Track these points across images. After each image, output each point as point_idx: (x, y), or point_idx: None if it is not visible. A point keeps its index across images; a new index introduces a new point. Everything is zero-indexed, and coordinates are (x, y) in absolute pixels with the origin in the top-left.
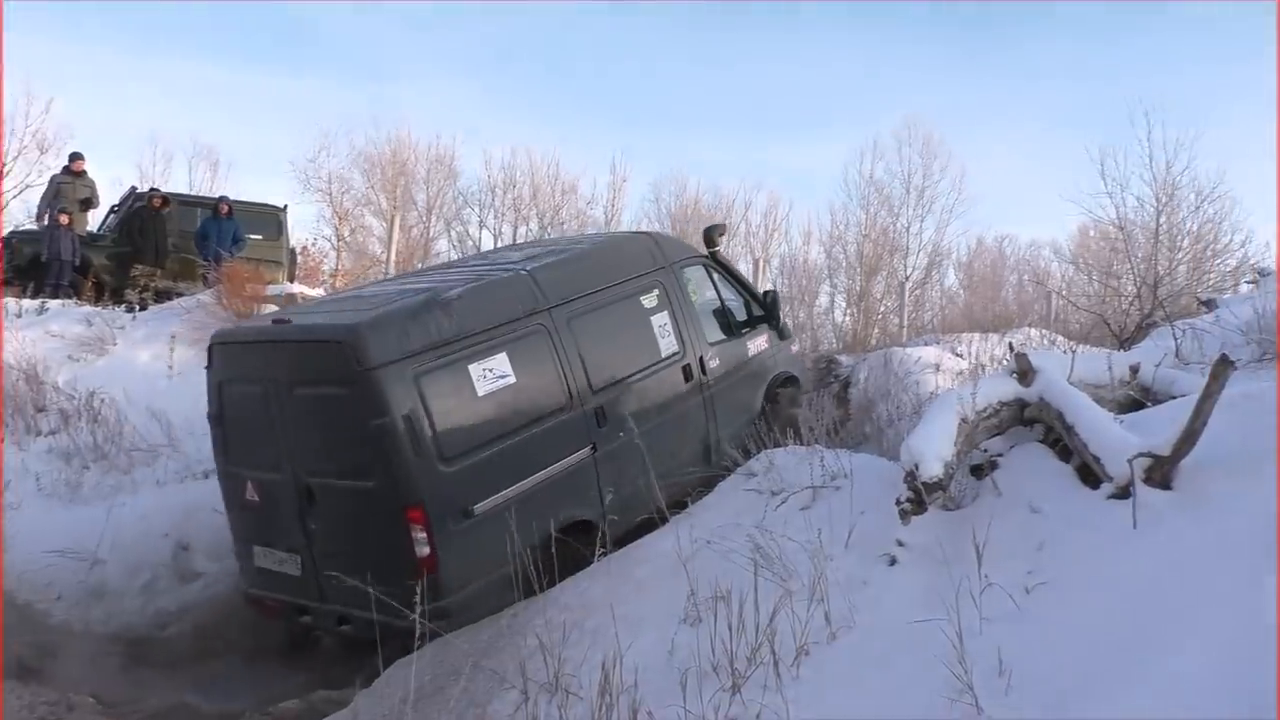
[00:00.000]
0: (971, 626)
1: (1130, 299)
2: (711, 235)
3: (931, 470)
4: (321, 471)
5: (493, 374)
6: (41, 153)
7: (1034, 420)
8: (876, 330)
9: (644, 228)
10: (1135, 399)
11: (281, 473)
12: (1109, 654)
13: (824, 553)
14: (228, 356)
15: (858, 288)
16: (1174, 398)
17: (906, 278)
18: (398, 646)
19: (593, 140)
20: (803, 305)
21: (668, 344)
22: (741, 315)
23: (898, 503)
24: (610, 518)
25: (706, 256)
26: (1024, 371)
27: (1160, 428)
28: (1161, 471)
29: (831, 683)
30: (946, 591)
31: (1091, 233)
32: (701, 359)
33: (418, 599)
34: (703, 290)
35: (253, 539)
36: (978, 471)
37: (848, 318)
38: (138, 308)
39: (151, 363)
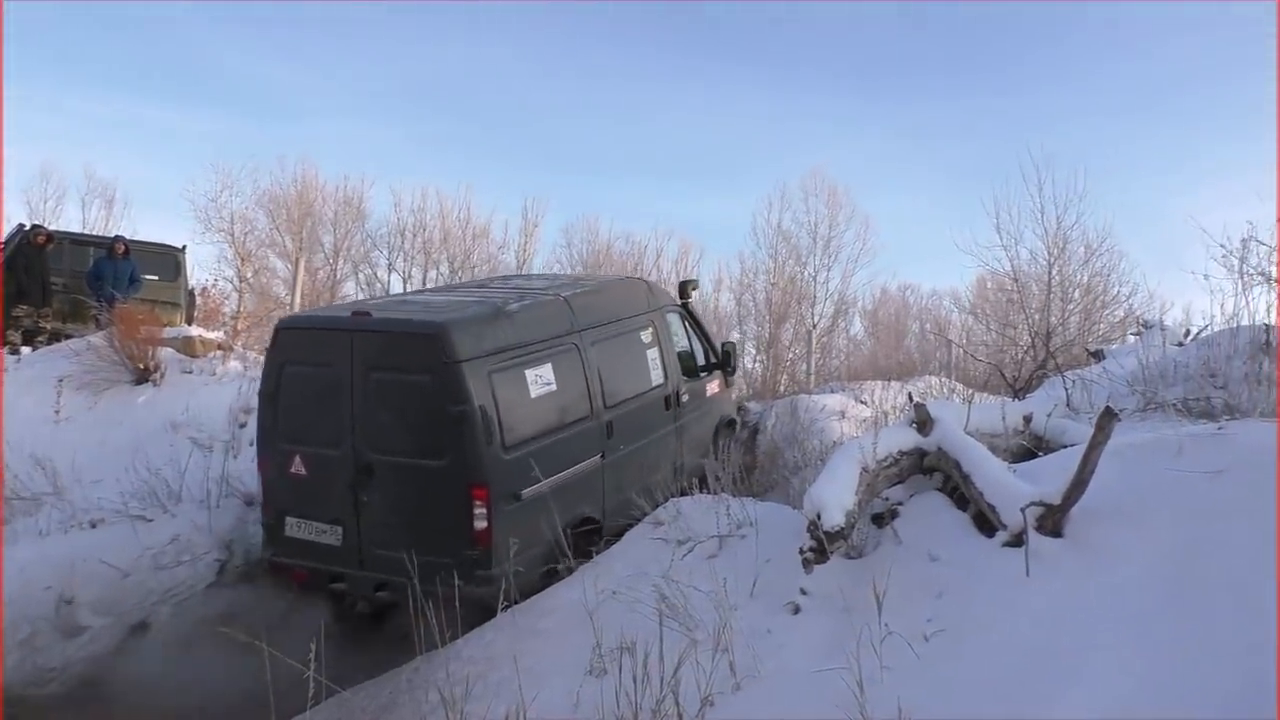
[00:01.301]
0: (872, 675)
1: (1025, 349)
2: (685, 289)
3: (833, 519)
4: (389, 449)
5: (541, 380)
6: None
7: (933, 469)
8: (785, 376)
9: (555, 270)
10: (1028, 448)
11: (340, 449)
12: (1002, 702)
13: (729, 602)
14: (295, 340)
15: (766, 334)
16: (1065, 446)
17: (814, 325)
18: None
19: (503, 184)
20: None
21: (656, 375)
22: (703, 360)
23: (801, 551)
24: (609, 519)
25: (682, 306)
26: (923, 421)
27: (1051, 476)
28: (1053, 519)
29: None
30: (848, 640)
31: (989, 284)
32: (677, 391)
33: (473, 566)
34: (677, 334)
35: (289, 510)
36: (879, 520)
37: (757, 364)
38: (22, 349)
39: (35, 408)
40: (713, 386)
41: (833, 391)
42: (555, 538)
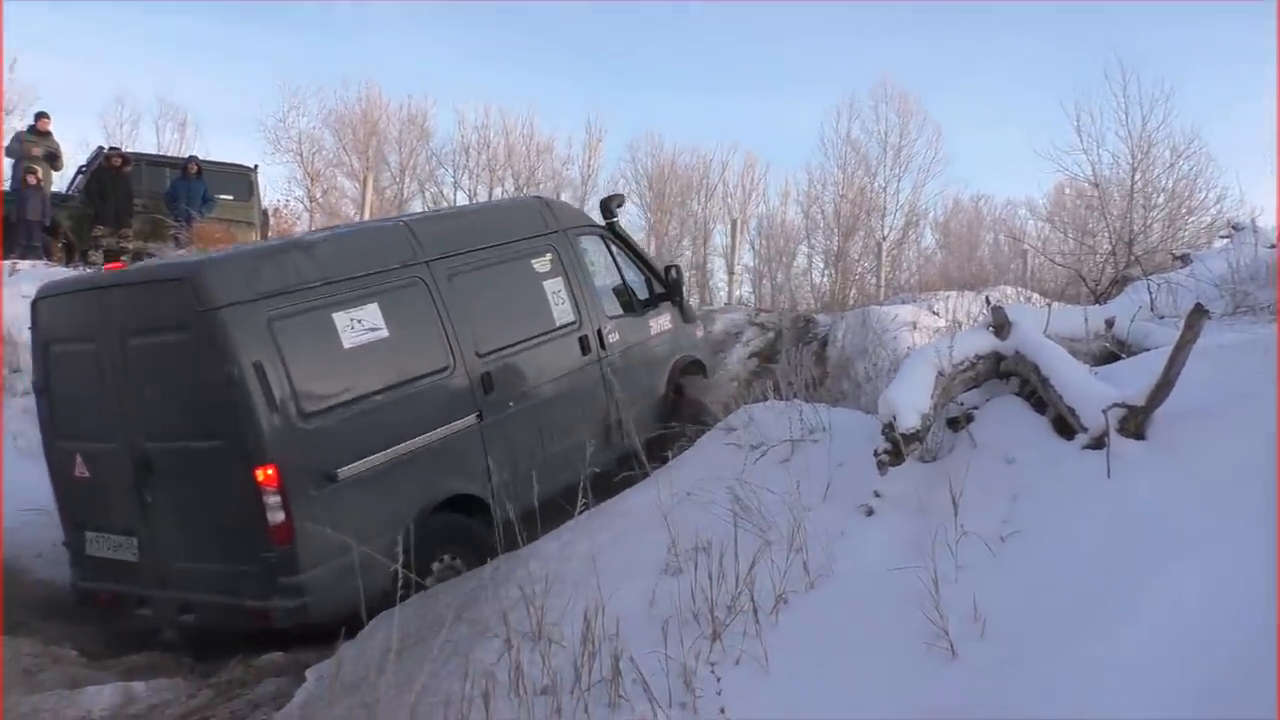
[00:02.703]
0: (947, 574)
1: (1105, 256)
2: (610, 205)
3: (908, 422)
4: (161, 435)
5: (362, 325)
6: (8, 114)
7: (1010, 373)
8: (854, 290)
9: (619, 188)
10: (1111, 351)
11: (114, 441)
12: (1081, 600)
13: (802, 504)
14: (55, 313)
15: (835, 248)
16: (1149, 350)
17: (884, 237)
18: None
19: (568, 99)
20: (780, 266)
21: (562, 312)
22: (643, 292)
23: (875, 454)
24: (499, 497)
25: (603, 227)
26: (1000, 325)
27: (1135, 378)
28: (1136, 422)
29: (809, 629)
30: (923, 541)
31: (1067, 191)
32: (600, 332)
33: (274, 572)
34: (601, 264)
35: (84, 523)
36: (954, 424)
37: (825, 278)
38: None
39: None
40: (660, 323)
41: (904, 302)
42: (405, 529)
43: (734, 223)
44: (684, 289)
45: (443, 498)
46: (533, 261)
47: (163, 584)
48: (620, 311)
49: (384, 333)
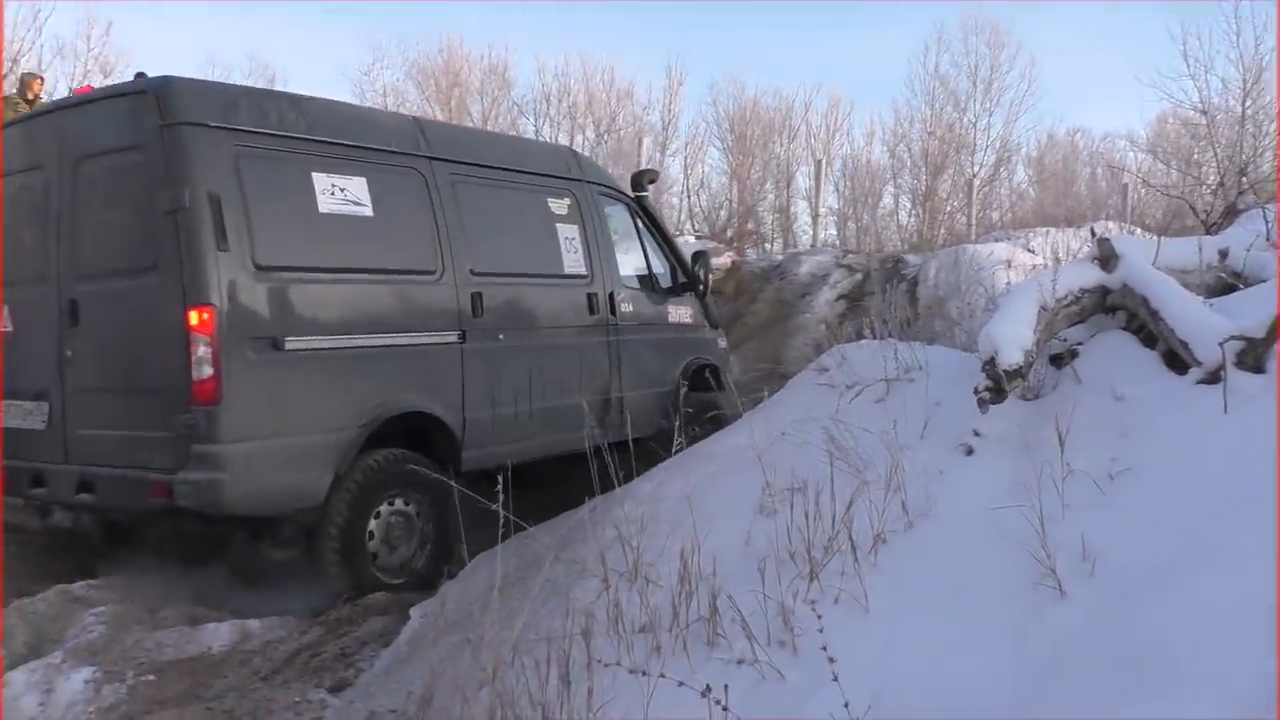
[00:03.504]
0: (1053, 513)
1: (1213, 187)
2: (641, 180)
3: (1010, 358)
4: (94, 273)
5: (343, 195)
6: (105, 77)
7: (1116, 307)
8: (942, 230)
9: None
10: (1226, 283)
11: (46, 285)
12: (1197, 538)
13: (899, 443)
14: (11, 144)
15: (923, 187)
16: (1267, 281)
17: (974, 175)
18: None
19: (647, 44)
20: (866, 208)
21: (573, 261)
22: (665, 279)
23: (976, 391)
24: (473, 440)
25: (632, 198)
26: (1106, 257)
27: (1254, 310)
28: (1255, 354)
29: (910, 568)
30: (1026, 479)
31: (1170, 121)
32: (612, 295)
33: (189, 438)
34: (624, 233)
35: (3, 389)
36: (1057, 361)
37: (912, 218)
38: None
39: None
40: (679, 314)
41: (997, 240)
42: (351, 435)
43: (818, 164)
44: (709, 282)
45: (401, 410)
46: (549, 200)
47: (65, 457)
48: (638, 285)
49: (367, 211)
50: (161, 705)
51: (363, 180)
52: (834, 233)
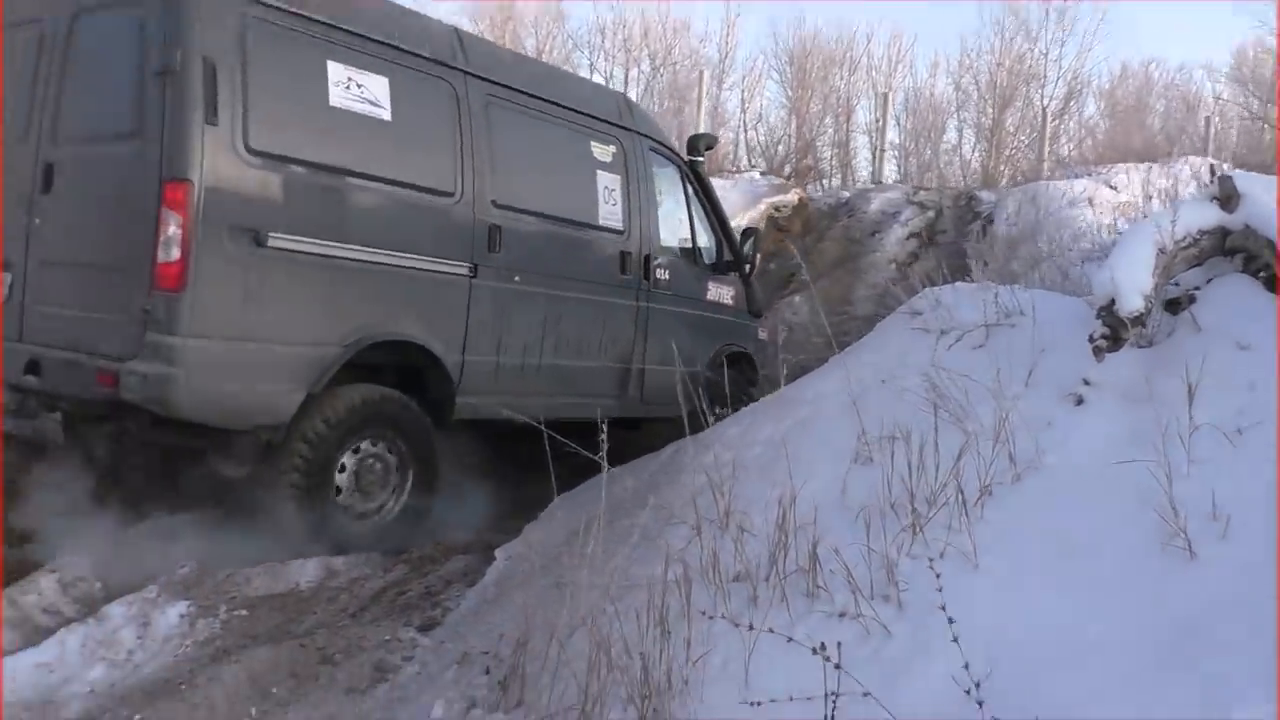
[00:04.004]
0: (1179, 468)
1: None
2: (697, 144)
3: (1131, 304)
4: (74, 138)
5: (360, 92)
6: None
7: (1236, 250)
8: (1006, 167)
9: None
10: None
11: (26, 144)
12: None
13: (1004, 392)
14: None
15: (989, 121)
16: None
17: (1044, 107)
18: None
19: None
20: (928, 142)
21: (610, 213)
22: (710, 252)
23: (1091, 339)
24: (470, 385)
25: (685, 161)
26: (1228, 196)
27: None
28: None
29: (1020, 523)
30: (1145, 432)
31: (1252, 52)
32: (648, 258)
33: (147, 324)
34: (670, 197)
35: None
36: (1173, 306)
37: (977, 152)
38: None
39: None
40: (720, 293)
41: (1077, 177)
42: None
43: (885, 97)
44: (756, 264)
45: (392, 337)
46: (593, 144)
47: (20, 334)
48: (678, 255)
49: (385, 114)
50: (255, 640)
51: (385, 81)
52: (895, 168)
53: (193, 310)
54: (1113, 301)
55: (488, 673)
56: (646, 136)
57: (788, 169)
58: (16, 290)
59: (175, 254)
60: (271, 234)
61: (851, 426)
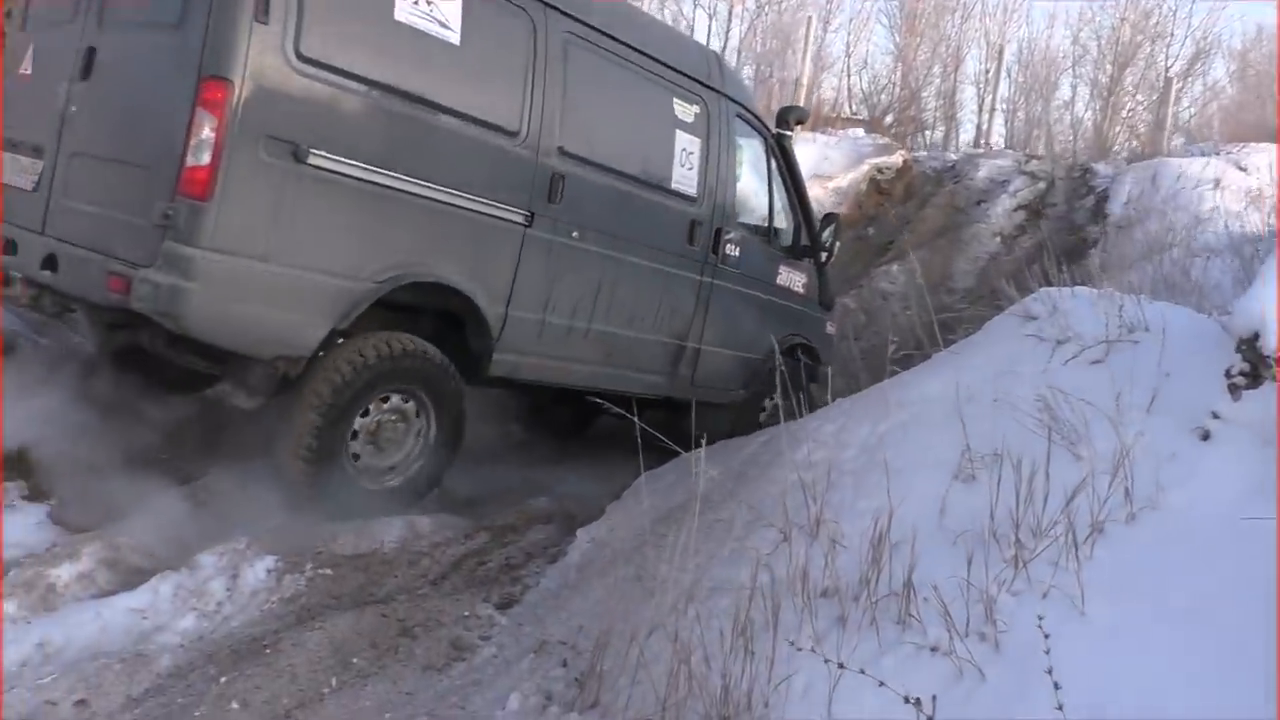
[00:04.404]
0: None
1: None
2: (787, 117)
3: (1275, 342)
4: (120, 22)
5: (429, 11)
6: None
7: None
8: (1122, 129)
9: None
10: None
11: (73, 25)
12: None
13: (1123, 419)
14: None
15: (1106, 79)
16: None
17: (1168, 67)
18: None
19: None
20: (1039, 98)
21: (684, 178)
22: (787, 234)
23: (1228, 374)
24: (510, 342)
25: (773, 134)
26: None
27: None
28: None
29: (1134, 568)
30: (1275, 483)
31: None
32: (719, 232)
33: (165, 232)
34: (751, 168)
35: (8, 140)
36: None
37: (1090, 112)
38: None
39: None
40: (791, 279)
41: (1202, 154)
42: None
43: (999, 49)
44: (834, 252)
45: (431, 278)
46: (675, 101)
47: (42, 226)
48: (751, 233)
49: (453, 37)
50: (338, 601)
51: (456, 4)
52: (1002, 123)
53: (216, 222)
54: (1256, 335)
55: (565, 666)
56: (735, 101)
57: (890, 118)
58: (45, 179)
59: (205, 158)
60: (313, 150)
61: (954, 438)
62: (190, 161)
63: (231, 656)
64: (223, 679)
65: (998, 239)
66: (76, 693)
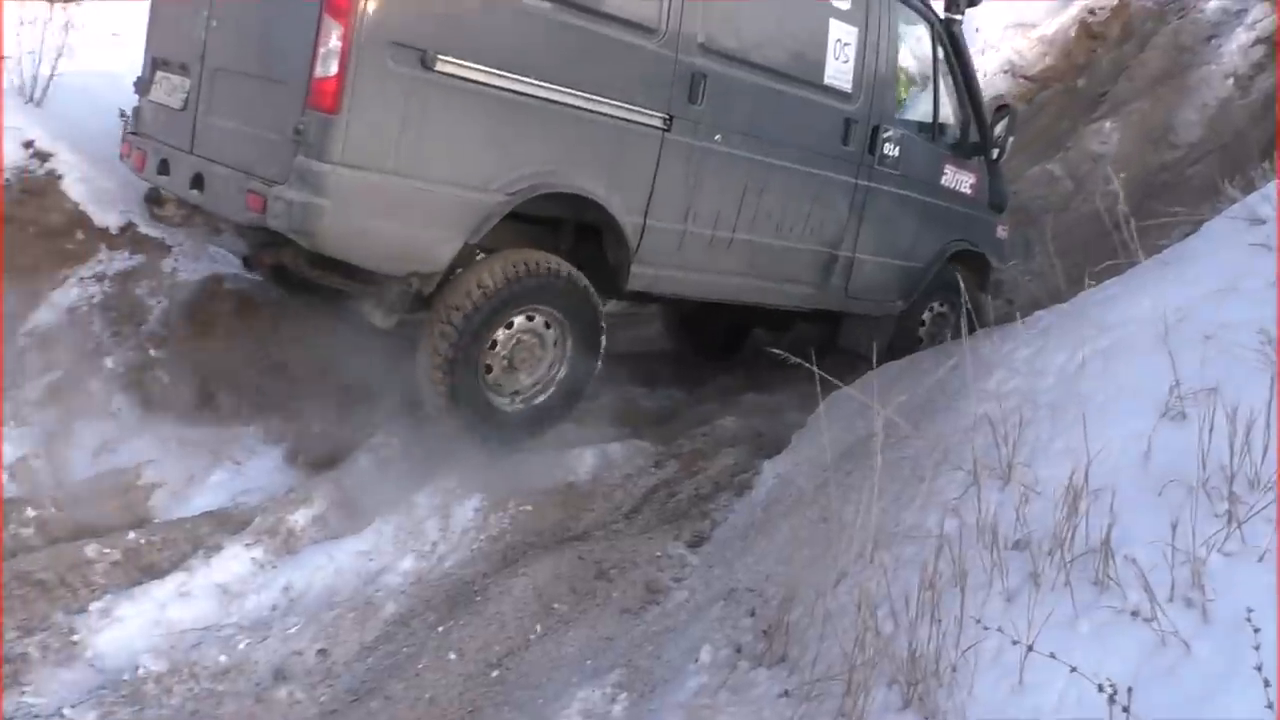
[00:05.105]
0: None
1: None
2: (957, 1)
3: None
4: None
5: None
6: None
7: None
8: None
9: None
10: None
11: None
12: None
13: None
14: None
15: None
16: None
17: None
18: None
19: None
20: None
21: (838, 73)
22: (953, 130)
23: None
24: (649, 255)
25: (940, 20)
26: None
27: None
28: None
29: None
30: None
31: None
32: (876, 130)
33: (299, 145)
34: (914, 60)
35: (158, 58)
36: None
37: None
38: None
39: None
40: (958, 178)
41: None
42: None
43: None
44: (1006, 148)
45: (564, 188)
46: None
47: (191, 145)
48: (912, 130)
49: None
50: (540, 538)
51: None
52: None
53: (346, 135)
54: None
55: (753, 615)
56: None
57: None
58: (191, 97)
59: (333, 68)
60: (440, 56)
61: (1162, 369)
62: (319, 72)
63: (447, 603)
64: (440, 628)
65: (1230, 81)
66: (318, 642)
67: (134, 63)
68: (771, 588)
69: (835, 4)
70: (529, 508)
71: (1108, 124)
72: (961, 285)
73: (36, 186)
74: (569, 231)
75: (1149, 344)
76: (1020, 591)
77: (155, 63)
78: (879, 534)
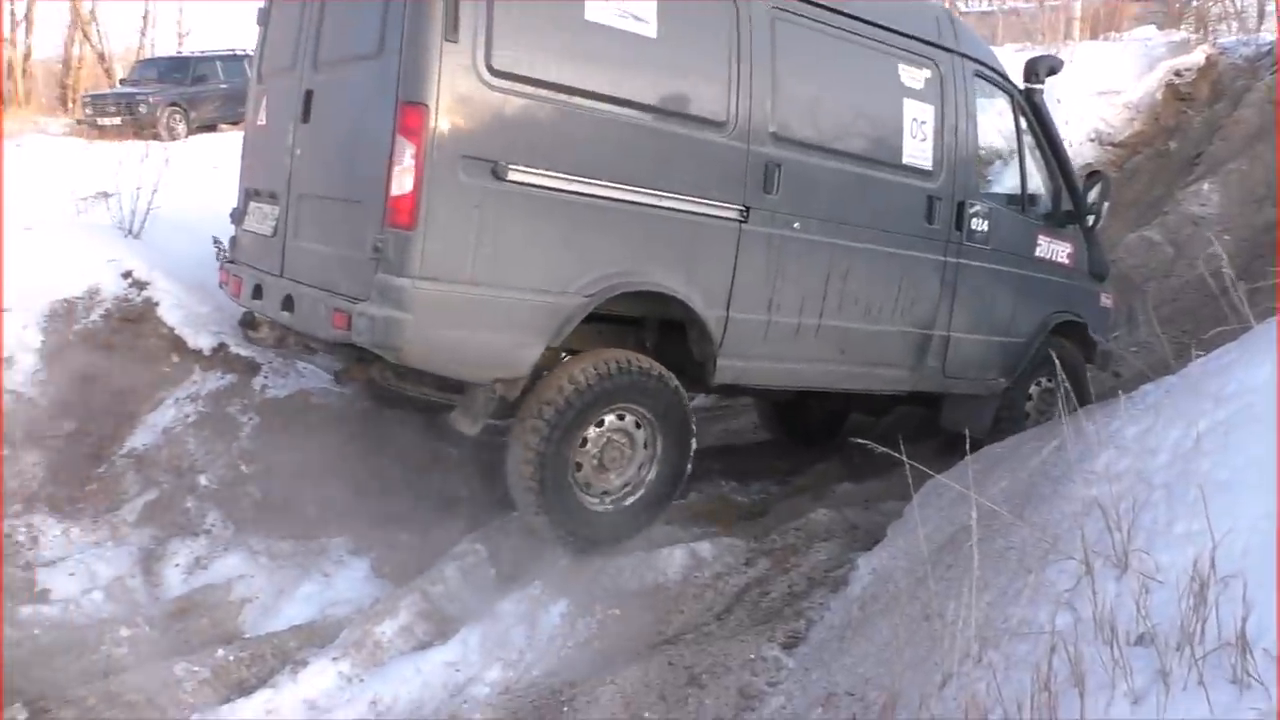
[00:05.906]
0: None
1: None
2: (1037, 69)
3: None
4: (330, 61)
5: (622, 7)
6: None
7: None
8: None
9: None
10: None
11: (293, 74)
12: None
13: None
14: None
15: None
16: None
17: None
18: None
19: None
20: None
21: (918, 151)
22: (1044, 200)
23: None
24: (734, 347)
25: (1020, 90)
26: None
27: None
28: None
29: None
30: None
31: None
32: (961, 205)
33: (378, 263)
34: (996, 131)
35: (251, 189)
36: None
37: None
38: None
39: None
40: (1056, 248)
41: None
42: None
43: None
44: (1103, 214)
45: (644, 287)
46: (901, 66)
47: (281, 269)
48: (1000, 203)
49: (649, 30)
50: (629, 644)
51: (653, 1)
52: None
53: (424, 249)
54: None
55: None
56: (970, 59)
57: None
58: (280, 223)
59: (409, 185)
60: (512, 166)
61: None
62: (394, 190)
63: (534, 714)
64: None
65: None
66: None
67: (230, 192)
68: (873, 691)
69: (908, 84)
70: (616, 611)
71: (1205, 185)
72: (1056, 359)
73: (134, 314)
74: (653, 329)
75: (1272, 414)
76: (1148, 692)
77: (249, 193)
78: (985, 631)
